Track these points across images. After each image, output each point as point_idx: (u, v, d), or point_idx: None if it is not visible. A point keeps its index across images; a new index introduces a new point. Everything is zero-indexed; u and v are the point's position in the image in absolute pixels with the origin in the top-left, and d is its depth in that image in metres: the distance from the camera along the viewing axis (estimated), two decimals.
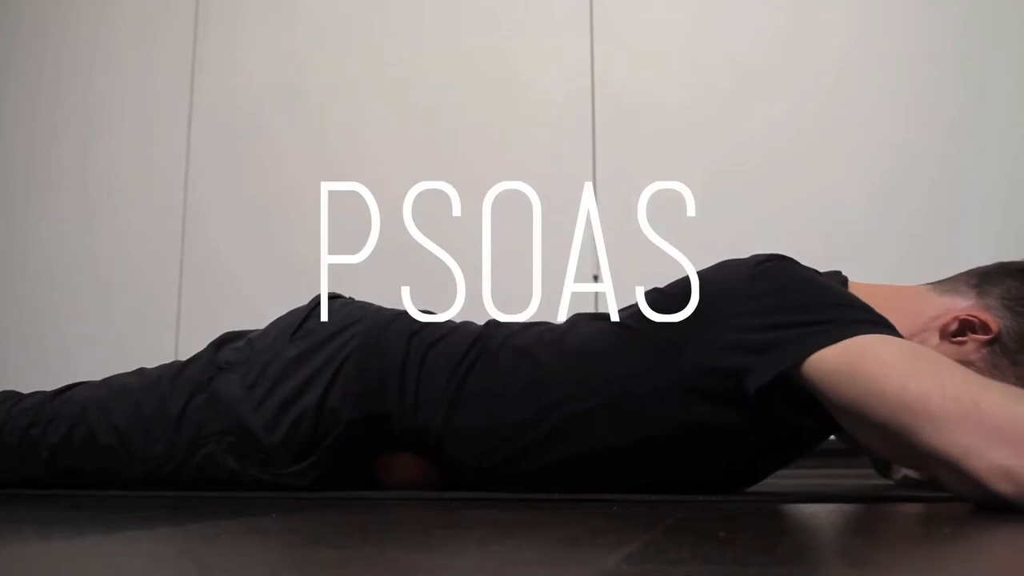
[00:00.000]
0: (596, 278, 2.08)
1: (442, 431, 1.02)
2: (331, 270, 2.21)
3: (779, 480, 1.48)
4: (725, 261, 0.99)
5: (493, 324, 1.09)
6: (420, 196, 2.22)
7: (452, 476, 1.06)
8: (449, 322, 1.12)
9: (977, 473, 0.70)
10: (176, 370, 1.10)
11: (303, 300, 1.18)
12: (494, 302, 2.02)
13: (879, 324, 0.84)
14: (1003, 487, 0.69)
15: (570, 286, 2.07)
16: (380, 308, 1.13)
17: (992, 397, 0.72)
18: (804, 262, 0.99)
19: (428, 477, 1.07)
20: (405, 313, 1.11)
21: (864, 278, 1.04)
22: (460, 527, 0.61)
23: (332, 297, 1.16)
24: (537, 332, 1.05)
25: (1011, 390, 0.75)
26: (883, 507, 0.83)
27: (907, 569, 0.43)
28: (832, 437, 1.03)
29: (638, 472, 1.00)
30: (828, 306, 0.86)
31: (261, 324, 1.33)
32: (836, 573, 0.41)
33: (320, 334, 1.07)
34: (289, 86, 2.36)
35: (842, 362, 0.80)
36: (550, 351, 1.01)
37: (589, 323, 1.04)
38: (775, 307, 0.88)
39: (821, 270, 1.01)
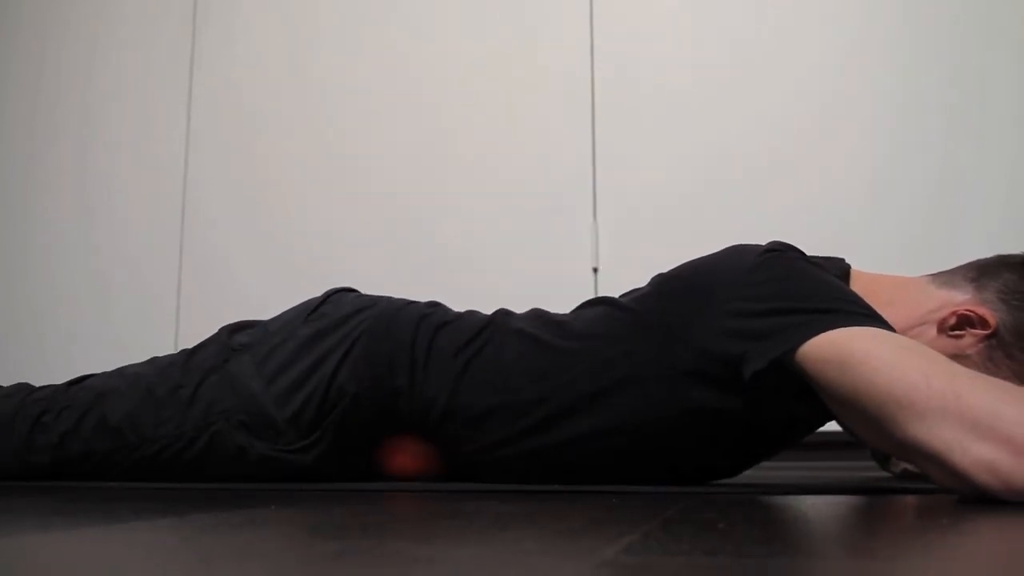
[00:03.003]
0: (596, 271, 2.08)
1: (446, 409, 1.03)
2: (333, 266, 2.21)
3: (778, 472, 1.48)
4: (734, 246, 1.01)
5: (502, 312, 1.11)
6: (420, 190, 2.22)
7: (453, 458, 1.07)
8: (456, 311, 1.14)
9: (960, 467, 0.72)
10: (187, 355, 1.12)
11: (302, 297, 1.20)
12: (494, 294, 2.01)
13: (872, 317, 0.85)
14: (985, 480, 0.71)
15: (569, 279, 2.07)
16: (392, 298, 1.16)
17: (975, 391, 0.73)
18: (804, 250, 1.00)
19: (430, 466, 1.08)
20: (416, 302, 1.14)
21: (864, 268, 1.05)
22: (460, 519, 0.61)
23: (346, 290, 1.19)
24: (545, 319, 1.07)
25: (996, 383, 0.76)
26: (882, 499, 0.83)
27: (906, 559, 0.43)
28: (832, 427, 1.03)
29: (637, 458, 1.01)
30: (825, 297, 0.87)
31: (260, 319, 1.33)
32: (836, 564, 0.41)
33: (333, 316, 1.10)
34: (287, 83, 2.36)
35: (834, 352, 0.81)
36: (555, 334, 1.03)
37: (594, 307, 1.06)
38: (773, 295, 0.89)
39: (823, 255, 1.03)
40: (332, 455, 1.06)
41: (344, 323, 1.09)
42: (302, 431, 1.04)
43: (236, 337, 1.12)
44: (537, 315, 1.08)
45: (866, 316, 0.85)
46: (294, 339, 1.08)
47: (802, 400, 0.88)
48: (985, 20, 1.99)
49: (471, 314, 1.11)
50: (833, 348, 0.81)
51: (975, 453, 0.71)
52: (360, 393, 1.04)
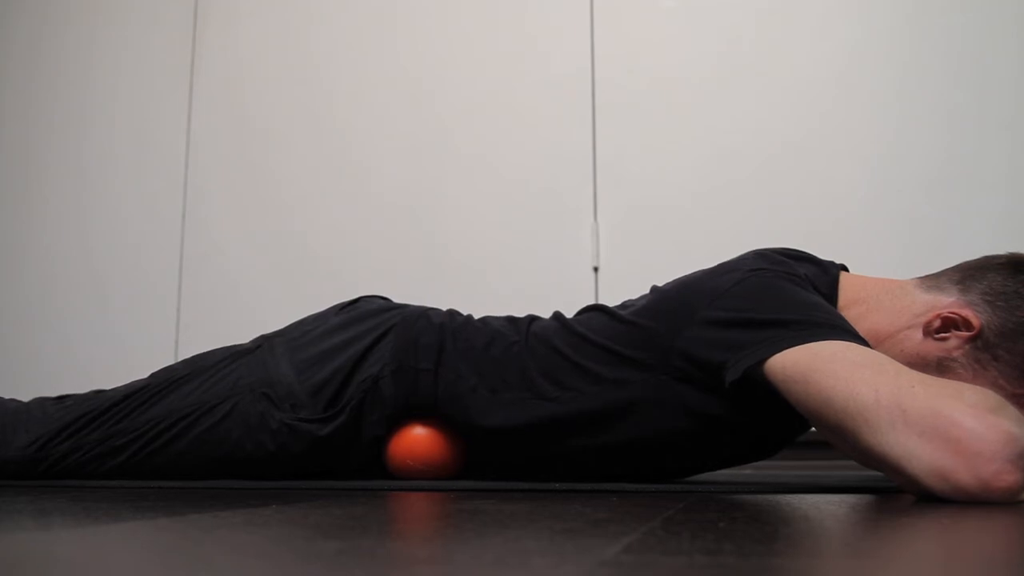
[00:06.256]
0: (596, 270, 2.08)
1: (462, 396, 1.08)
2: (333, 265, 2.21)
3: (779, 471, 1.49)
4: (720, 264, 1.05)
5: (529, 318, 1.16)
6: (420, 189, 2.22)
7: (464, 434, 1.10)
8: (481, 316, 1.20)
9: (915, 475, 0.74)
10: (229, 348, 1.19)
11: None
12: (495, 293, 2.01)
13: (841, 330, 0.88)
14: (937, 484, 0.73)
15: (570, 278, 2.07)
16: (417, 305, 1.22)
17: (916, 399, 0.75)
18: (803, 250, 1.05)
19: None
20: (438, 308, 1.20)
21: (864, 268, 1.06)
22: (459, 518, 0.61)
23: (376, 296, 1.25)
24: (558, 324, 1.11)
25: (938, 386, 0.78)
26: (884, 497, 0.83)
27: (908, 559, 0.43)
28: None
29: (634, 457, 1.06)
30: (796, 311, 0.91)
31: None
32: (836, 564, 0.41)
33: (365, 309, 1.17)
34: (288, 83, 2.36)
35: (797, 370, 0.85)
36: (568, 342, 1.07)
37: (599, 316, 1.10)
38: (751, 308, 0.94)
39: (820, 258, 1.06)
40: (348, 431, 1.09)
41: (375, 316, 1.15)
42: (322, 405, 1.09)
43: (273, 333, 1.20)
44: (562, 325, 1.11)
45: (833, 329, 0.88)
46: (325, 326, 1.15)
47: (784, 405, 0.89)
48: (985, 20, 1.99)
49: (496, 319, 1.16)
50: (796, 367, 0.85)
51: (925, 460, 0.73)
52: (382, 375, 1.09)
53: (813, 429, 0.94)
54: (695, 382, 0.98)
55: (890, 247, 1.92)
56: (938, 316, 0.96)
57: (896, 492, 0.90)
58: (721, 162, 2.06)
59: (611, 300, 1.18)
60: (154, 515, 0.63)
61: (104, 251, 2.41)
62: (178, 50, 2.45)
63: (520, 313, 1.19)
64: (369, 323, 1.14)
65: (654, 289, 1.09)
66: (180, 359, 1.23)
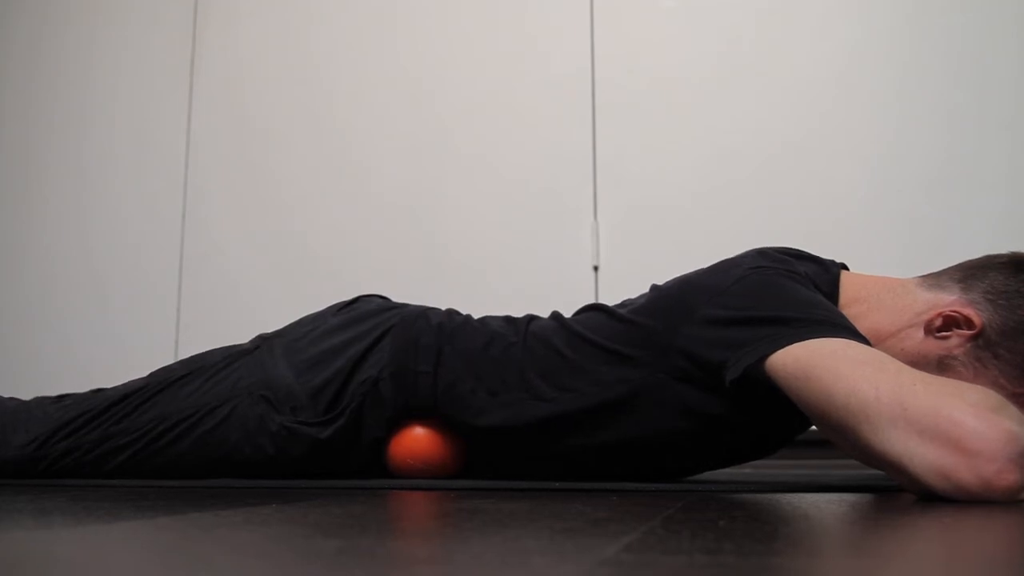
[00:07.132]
0: (596, 269, 2.08)
1: (462, 395, 1.08)
2: (333, 265, 2.21)
3: (778, 470, 1.48)
4: (720, 262, 1.05)
5: (527, 317, 1.16)
6: (421, 189, 2.22)
7: (463, 434, 1.10)
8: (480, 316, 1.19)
9: (916, 473, 0.74)
10: (229, 348, 1.18)
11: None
12: (495, 292, 2.01)
13: (841, 328, 0.88)
14: (938, 483, 0.73)
15: (569, 278, 2.07)
16: (416, 304, 1.21)
17: (917, 397, 0.75)
18: (802, 249, 1.05)
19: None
20: (437, 308, 1.20)
21: (864, 267, 1.06)
22: (459, 517, 0.61)
23: (375, 295, 1.25)
24: (557, 324, 1.11)
25: (939, 384, 0.78)
26: (884, 496, 0.83)
27: (908, 558, 0.43)
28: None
29: (633, 456, 1.06)
30: (797, 308, 0.91)
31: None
32: (836, 562, 0.41)
33: (363, 310, 1.16)
34: (288, 83, 2.36)
35: (798, 367, 0.85)
36: (572, 345, 1.06)
37: (598, 315, 1.10)
38: (751, 306, 0.94)
39: (821, 257, 1.06)
40: (348, 433, 1.09)
41: (374, 316, 1.14)
42: (321, 408, 1.08)
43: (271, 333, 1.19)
44: (560, 324, 1.10)
45: (834, 327, 0.88)
46: (324, 327, 1.15)
47: (785, 404, 0.89)
48: (985, 20, 1.99)
49: (495, 319, 1.16)
50: (798, 363, 0.85)
51: (926, 459, 0.73)
52: (381, 377, 1.08)
53: (813, 428, 0.94)
54: (695, 381, 0.98)
55: (890, 247, 1.92)
56: (940, 315, 0.96)
57: (897, 491, 0.90)
58: (721, 162, 2.06)
59: (611, 300, 1.17)
60: (154, 514, 0.63)
61: (104, 251, 2.41)
62: (178, 50, 2.45)
63: (520, 313, 1.18)
64: (368, 324, 1.13)
65: (654, 288, 1.09)
66: (180, 359, 1.22)
